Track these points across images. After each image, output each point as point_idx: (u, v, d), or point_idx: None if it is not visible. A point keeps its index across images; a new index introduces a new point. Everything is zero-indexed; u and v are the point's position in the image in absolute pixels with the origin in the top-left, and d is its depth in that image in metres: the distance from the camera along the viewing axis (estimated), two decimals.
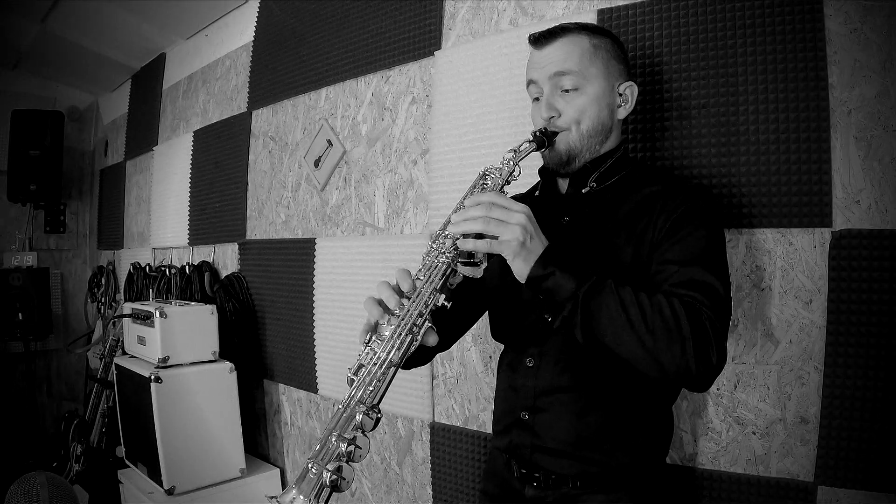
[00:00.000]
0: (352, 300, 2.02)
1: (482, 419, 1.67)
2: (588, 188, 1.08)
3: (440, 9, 1.78)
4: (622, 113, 1.08)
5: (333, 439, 0.80)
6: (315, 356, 2.16)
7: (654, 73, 1.34)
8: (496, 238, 0.87)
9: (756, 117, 1.22)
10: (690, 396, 1.30)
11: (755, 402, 1.23)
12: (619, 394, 1.03)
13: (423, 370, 1.79)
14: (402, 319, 0.86)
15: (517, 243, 0.86)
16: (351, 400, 0.83)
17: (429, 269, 0.90)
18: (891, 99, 1.11)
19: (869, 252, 1.12)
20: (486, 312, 1.25)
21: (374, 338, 0.88)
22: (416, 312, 0.87)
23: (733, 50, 1.25)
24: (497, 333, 1.21)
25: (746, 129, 1.23)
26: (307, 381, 2.20)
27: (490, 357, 1.66)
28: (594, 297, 0.86)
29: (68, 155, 3.91)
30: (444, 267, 0.89)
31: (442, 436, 1.74)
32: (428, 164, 1.81)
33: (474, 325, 1.67)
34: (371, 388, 0.83)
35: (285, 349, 2.31)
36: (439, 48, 1.78)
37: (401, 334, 0.85)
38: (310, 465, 0.78)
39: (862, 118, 1.14)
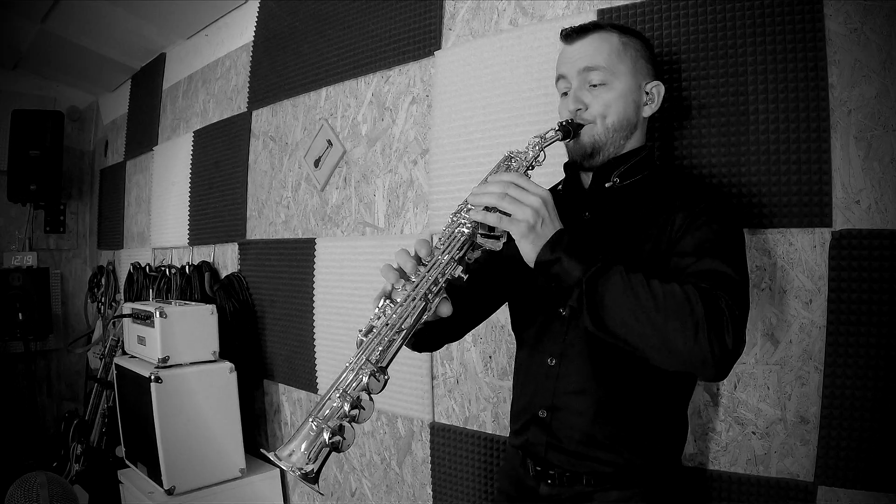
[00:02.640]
0: (352, 300, 2.02)
1: (482, 419, 1.67)
2: (611, 183, 1.08)
3: (440, 9, 1.78)
4: (648, 111, 1.09)
5: (337, 396, 0.78)
6: (315, 356, 2.16)
7: None
8: (508, 215, 0.87)
9: (756, 117, 1.22)
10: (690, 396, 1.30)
11: (755, 402, 1.23)
12: (637, 396, 1.03)
13: (424, 370, 1.79)
14: (417, 286, 0.86)
15: (526, 225, 0.86)
16: (358, 360, 0.81)
17: (448, 239, 0.89)
18: (891, 99, 1.11)
19: (869, 252, 1.12)
20: (505, 305, 1.25)
21: (387, 302, 0.87)
22: (432, 279, 0.86)
23: (733, 50, 1.25)
24: (517, 326, 1.20)
25: (746, 129, 1.23)
26: (307, 381, 2.20)
27: (490, 357, 1.65)
28: (601, 280, 0.85)
29: (68, 155, 3.91)
30: (464, 237, 0.89)
31: (442, 436, 1.74)
32: (428, 164, 1.81)
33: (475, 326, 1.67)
34: (381, 349, 0.82)
35: (285, 349, 2.31)
36: (439, 48, 1.78)
37: (414, 299, 0.85)
38: (311, 422, 0.76)
39: (862, 118, 1.14)
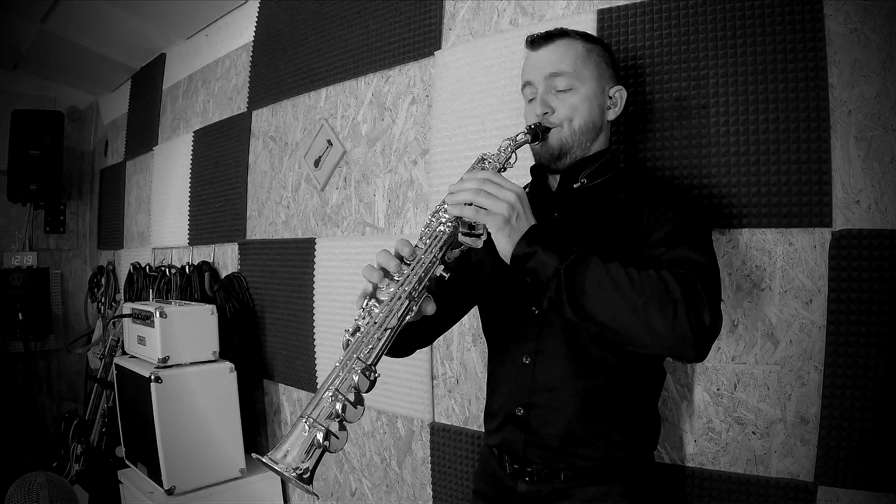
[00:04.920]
0: (352, 300, 2.01)
1: (482, 419, 1.66)
2: (579, 184, 1.10)
3: (440, 9, 1.78)
4: (611, 115, 1.12)
5: (328, 397, 0.78)
6: (315, 356, 2.16)
7: (655, 73, 1.34)
8: (485, 210, 0.88)
9: (756, 117, 1.22)
10: (690, 396, 1.30)
11: (755, 402, 1.23)
12: (612, 390, 1.04)
13: (424, 370, 1.79)
14: (402, 284, 0.86)
15: (502, 218, 0.88)
16: (348, 359, 0.81)
17: (430, 238, 0.90)
18: (891, 99, 1.11)
19: (869, 252, 1.12)
20: (475, 309, 1.26)
21: (371, 302, 0.87)
22: (416, 278, 0.86)
23: (733, 50, 1.25)
24: (489, 329, 1.21)
25: (746, 128, 1.23)
26: (307, 381, 2.20)
27: None
28: (579, 268, 0.87)
29: (68, 155, 3.91)
30: (446, 236, 0.90)
31: (442, 436, 1.74)
32: (428, 164, 1.81)
33: (474, 325, 1.67)
34: (369, 347, 0.82)
35: (285, 349, 2.31)
36: (439, 48, 1.78)
37: (400, 297, 0.85)
38: (303, 423, 0.76)
39: (862, 118, 1.14)
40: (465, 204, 0.88)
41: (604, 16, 1.41)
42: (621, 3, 1.39)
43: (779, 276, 1.22)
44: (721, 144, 1.26)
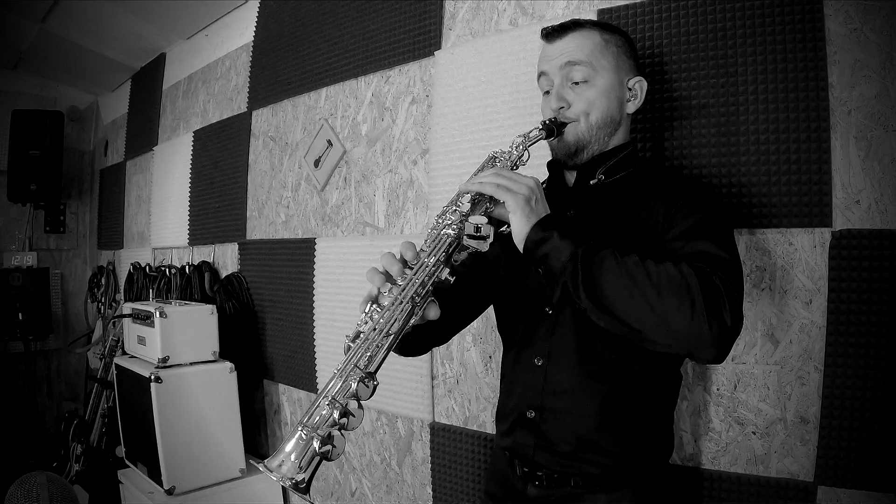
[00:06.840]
0: (352, 300, 2.02)
1: (482, 419, 1.67)
2: (596, 180, 1.07)
3: (440, 9, 1.78)
4: (631, 107, 1.09)
5: (326, 404, 0.77)
6: (315, 356, 2.16)
7: (654, 74, 1.33)
8: (506, 188, 0.88)
9: (756, 117, 1.22)
10: (690, 396, 1.30)
11: (755, 402, 1.23)
12: (626, 395, 1.02)
13: (424, 370, 1.79)
14: (404, 289, 0.85)
15: (523, 198, 0.87)
16: (347, 366, 0.80)
17: (434, 241, 0.89)
18: (891, 99, 1.11)
19: (869, 252, 1.12)
20: (491, 308, 1.25)
21: (374, 307, 0.86)
22: (419, 282, 0.85)
23: (733, 50, 1.25)
24: (503, 328, 1.20)
25: (746, 128, 1.23)
26: (307, 381, 2.20)
27: (490, 357, 1.65)
28: (595, 256, 0.84)
29: (68, 155, 3.91)
30: (450, 239, 0.88)
31: (442, 436, 1.74)
32: (428, 164, 1.81)
33: (475, 326, 1.67)
34: (369, 355, 0.81)
35: (285, 349, 2.31)
36: (439, 48, 1.78)
37: (402, 302, 0.84)
38: (300, 431, 0.75)
39: (862, 118, 1.14)
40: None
41: (604, 16, 1.41)
42: (621, 3, 1.39)
43: (779, 276, 1.22)
44: (721, 144, 1.26)
